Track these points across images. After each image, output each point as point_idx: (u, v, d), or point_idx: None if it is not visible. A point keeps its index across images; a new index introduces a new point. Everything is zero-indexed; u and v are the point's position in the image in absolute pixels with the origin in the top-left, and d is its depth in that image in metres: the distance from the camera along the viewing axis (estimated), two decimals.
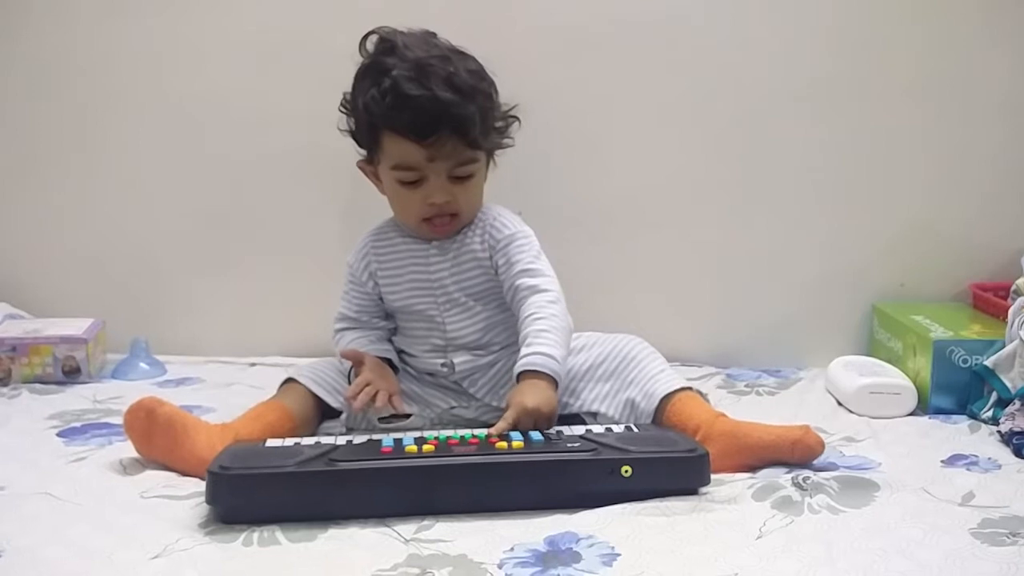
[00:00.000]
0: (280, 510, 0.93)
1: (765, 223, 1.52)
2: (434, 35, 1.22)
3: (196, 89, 1.51)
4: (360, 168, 1.25)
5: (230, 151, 1.52)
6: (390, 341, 1.28)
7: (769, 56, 1.48)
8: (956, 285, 1.51)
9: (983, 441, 1.18)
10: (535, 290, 1.18)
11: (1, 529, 0.90)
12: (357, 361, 1.19)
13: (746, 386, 1.42)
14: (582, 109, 1.49)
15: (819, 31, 1.48)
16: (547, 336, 1.13)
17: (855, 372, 1.33)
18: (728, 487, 1.01)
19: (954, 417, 1.27)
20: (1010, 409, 1.19)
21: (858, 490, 0.99)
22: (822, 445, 1.07)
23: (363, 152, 1.24)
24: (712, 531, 0.91)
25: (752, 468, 1.06)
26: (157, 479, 1.04)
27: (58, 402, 1.32)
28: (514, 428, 1.05)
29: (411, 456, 0.97)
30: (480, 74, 1.20)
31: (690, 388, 1.17)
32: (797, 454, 1.06)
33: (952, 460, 1.11)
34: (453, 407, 1.24)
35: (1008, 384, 1.23)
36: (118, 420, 1.16)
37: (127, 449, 1.09)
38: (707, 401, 1.19)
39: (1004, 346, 1.26)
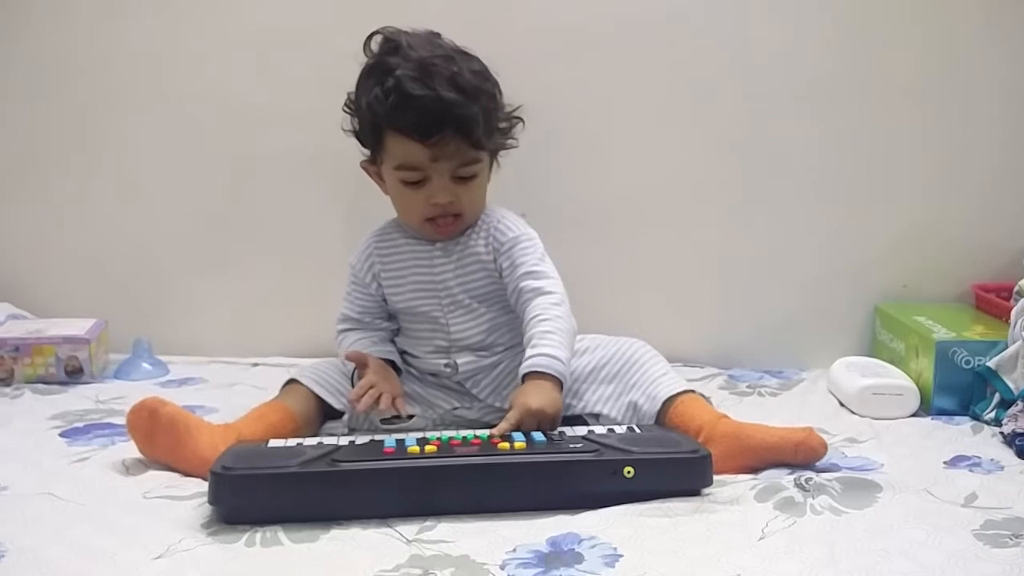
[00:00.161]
0: (282, 511, 0.93)
1: (766, 223, 1.52)
2: (438, 35, 1.22)
3: (197, 89, 1.51)
4: (363, 168, 1.25)
5: (231, 151, 1.53)
6: (393, 342, 1.28)
7: (770, 56, 1.48)
8: (958, 286, 1.51)
9: (986, 442, 1.18)
10: (540, 292, 1.18)
11: (4, 529, 0.90)
12: (361, 363, 1.19)
13: (748, 387, 1.42)
14: (582, 109, 1.49)
15: (819, 31, 1.48)
16: (552, 337, 1.13)
17: (857, 373, 1.33)
18: (730, 488, 1.01)
19: (957, 418, 1.27)
20: (1013, 410, 1.19)
21: (860, 491, 0.99)
22: (825, 447, 1.07)
23: (366, 152, 1.24)
24: (714, 532, 0.91)
25: (755, 470, 1.06)
26: (160, 479, 1.04)
27: (61, 402, 1.32)
28: (517, 429, 1.05)
29: (413, 457, 0.97)
30: (484, 74, 1.20)
31: (693, 391, 1.17)
32: (800, 456, 1.06)
33: (955, 461, 1.11)
34: (456, 408, 1.24)
35: (1011, 385, 1.23)
36: (121, 420, 1.16)
37: (130, 449, 1.09)
38: (710, 404, 1.19)
39: (1007, 347, 1.26)
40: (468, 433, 1.04)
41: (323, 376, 1.21)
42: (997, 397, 1.24)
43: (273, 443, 1.03)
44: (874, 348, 1.50)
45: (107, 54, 1.51)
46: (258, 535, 0.91)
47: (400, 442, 1.01)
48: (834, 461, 1.08)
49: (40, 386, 1.38)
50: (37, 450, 1.13)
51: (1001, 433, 1.19)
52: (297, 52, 1.49)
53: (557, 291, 1.18)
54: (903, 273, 1.52)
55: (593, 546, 0.88)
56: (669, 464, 0.99)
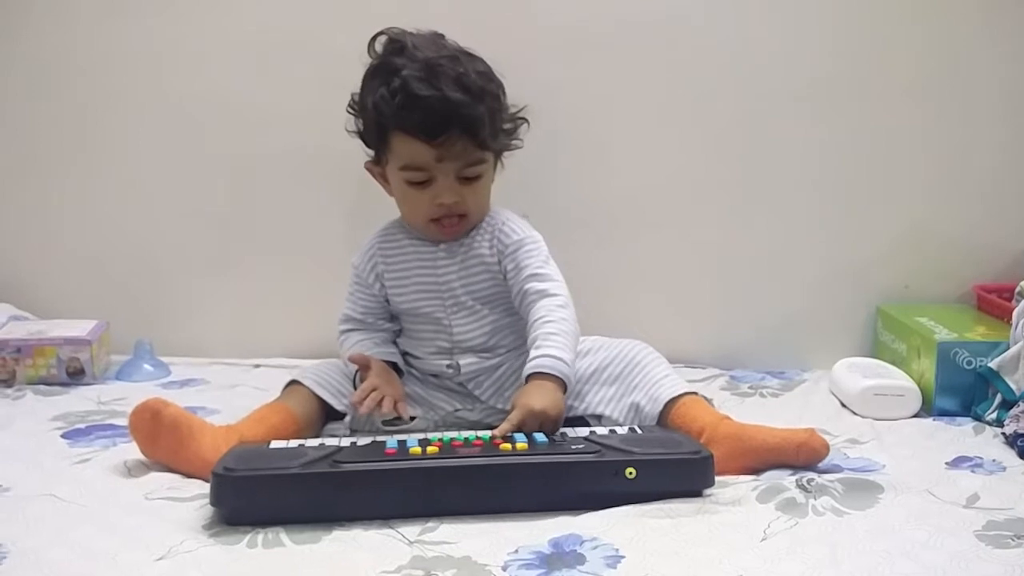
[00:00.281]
0: (284, 512, 0.93)
1: (767, 224, 1.52)
2: (442, 36, 1.22)
3: (198, 89, 1.51)
4: (367, 169, 1.25)
5: (233, 152, 1.52)
6: (395, 343, 1.28)
7: (770, 56, 1.48)
8: (960, 287, 1.51)
9: (987, 443, 1.18)
10: (544, 294, 1.18)
11: (5, 531, 0.91)
12: (363, 365, 1.19)
13: (750, 388, 1.42)
14: (582, 110, 1.49)
15: (820, 31, 1.48)
16: (556, 339, 1.13)
17: (859, 374, 1.33)
18: (732, 489, 1.00)
19: (958, 419, 1.27)
20: (1015, 411, 1.19)
21: (862, 492, 0.99)
22: (827, 448, 1.07)
23: (371, 153, 1.24)
24: (716, 533, 0.91)
25: (756, 471, 1.06)
26: (161, 481, 1.03)
27: (62, 403, 1.32)
28: (519, 430, 1.05)
29: (415, 458, 0.97)
30: (489, 75, 1.20)
31: (695, 392, 1.17)
32: (802, 457, 1.05)
33: (956, 462, 1.11)
34: (458, 410, 1.24)
35: (1012, 386, 1.23)
36: (122, 421, 1.16)
37: (131, 451, 1.09)
38: (711, 405, 1.18)
39: (1008, 348, 1.26)
40: (470, 434, 1.04)
41: (324, 377, 1.21)
42: (999, 398, 1.24)
43: (275, 444, 1.03)
44: (876, 349, 1.50)
45: (107, 54, 1.51)
46: (260, 536, 0.91)
47: (402, 443, 1.01)
48: (836, 462, 1.08)
49: (42, 387, 1.38)
50: (39, 451, 1.13)
51: (1003, 434, 1.19)
52: (297, 52, 1.49)
53: (562, 293, 1.18)
54: (904, 274, 1.52)
55: (595, 547, 0.88)
56: (671, 465, 0.99)
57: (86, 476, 1.05)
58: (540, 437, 1.03)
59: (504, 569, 0.84)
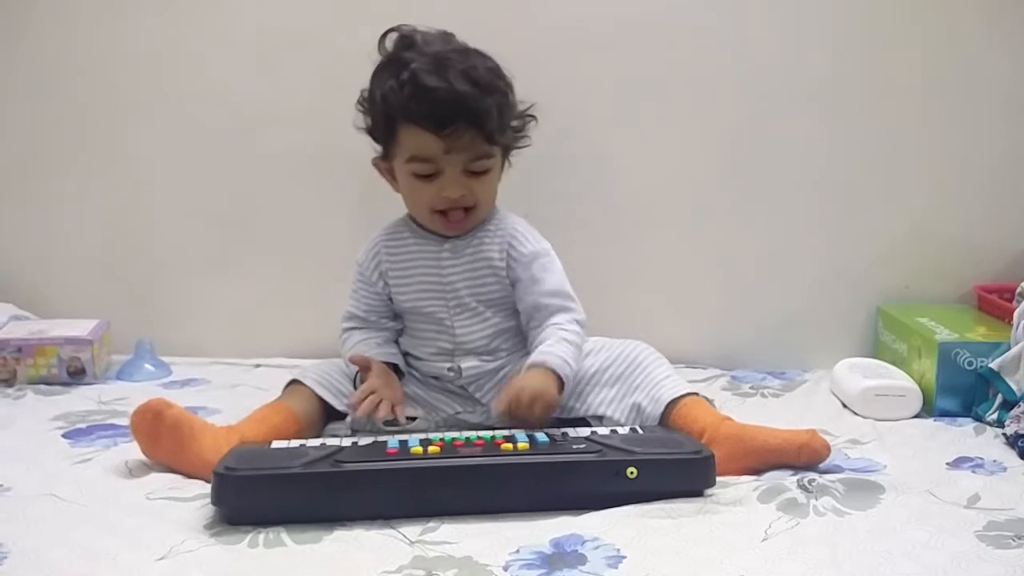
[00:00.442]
0: (285, 511, 0.93)
1: (768, 224, 1.52)
2: (452, 35, 1.22)
3: (199, 89, 1.51)
4: (375, 165, 1.25)
5: (233, 151, 1.52)
6: (397, 343, 1.27)
7: (771, 56, 1.48)
8: (961, 287, 1.51)
9: (988, 443, 1.18)
10: (562, 308, 1.20)
11: (6, 530, 0.90)
12: (364, 367, 1.19)
13: (751, 388, 1.42)
14: (583, 110, 1.48)
15: (821, 32, 1.48)
16: (565, 346, 1.16)
17: (860, 374, 1.33)
18: (733, 489, 1.01)
19: (959, 419, 1.27)
20: (1015, 411, 1.19)
21: (863, 492, 0.99)
22: (828, 449, 1.07)
23: (378, 149, 1.24)
24: (718, 533, 0.91)
25: (758, 471, 1.06)
26: (162, 481, 1.03)
27: (63, 403, 1.32)
28: (511, 408, 1.06)
29: (416, 458, 0.97)
30: (497, 71, 1.21)
31: (696, 393, 1.17)
32: (803, 458, 1.05)
33: (957, 462, 1.11)
34: (458, 412, 1.23)
35: (1013, 386, 1.23)
36: (123, 421, 1.16)
37: (132, 450, 1.09)
38: (712, 406, 1.18)
39: (1009, 348, 1.26)
40: (471, 434, 1.04)
41: (325, 377, 1.21)
42: (1000, 398, 1.24)
43: (276, 444, 1.03)
44: (876, 349, 1.50)
45: (108, 54, 1.51)
46: (261, 536, 0.91)
47: (403, 443, 1.01)
48: (837, 462, 1.08)
49: (43, 387, 1.38)
50: (39, 451, 1.12)
51: (1004, 434, 1.19)
52: (298, 52, 1.49)
53: (578, 310, 1.21)
54: (905, 274, 1.52)
55: (596, 547, 0.88)
56: (672, 465, 0.99)
57: (87, 476, 1.05)
58: (541, 437, 1.03)
59: (505, 569, 0.84)
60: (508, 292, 1.23)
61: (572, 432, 1.05)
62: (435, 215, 1.21)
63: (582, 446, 1.00)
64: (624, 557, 0.86)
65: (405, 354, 1.27)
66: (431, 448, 0.99)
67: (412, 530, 0.92)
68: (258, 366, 1.51)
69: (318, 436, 1.13)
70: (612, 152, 1.51)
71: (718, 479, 1.00)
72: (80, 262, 1.56)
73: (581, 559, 0.86)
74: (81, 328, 1.44)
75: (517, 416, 1.10)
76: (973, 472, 1.08)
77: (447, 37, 1.21)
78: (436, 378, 1.25)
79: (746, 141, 1.50)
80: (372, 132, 1.23)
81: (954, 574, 0.83)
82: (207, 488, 0.96)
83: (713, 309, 1.53)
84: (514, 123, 1.24)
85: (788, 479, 1.02)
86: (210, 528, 0.93)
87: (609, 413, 1.18)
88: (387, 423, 1.16)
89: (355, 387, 1.19)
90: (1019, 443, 1.14)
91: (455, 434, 1.05)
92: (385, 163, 1.24)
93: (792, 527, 0.92)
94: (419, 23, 1.23)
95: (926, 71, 1.48)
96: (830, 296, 1.53)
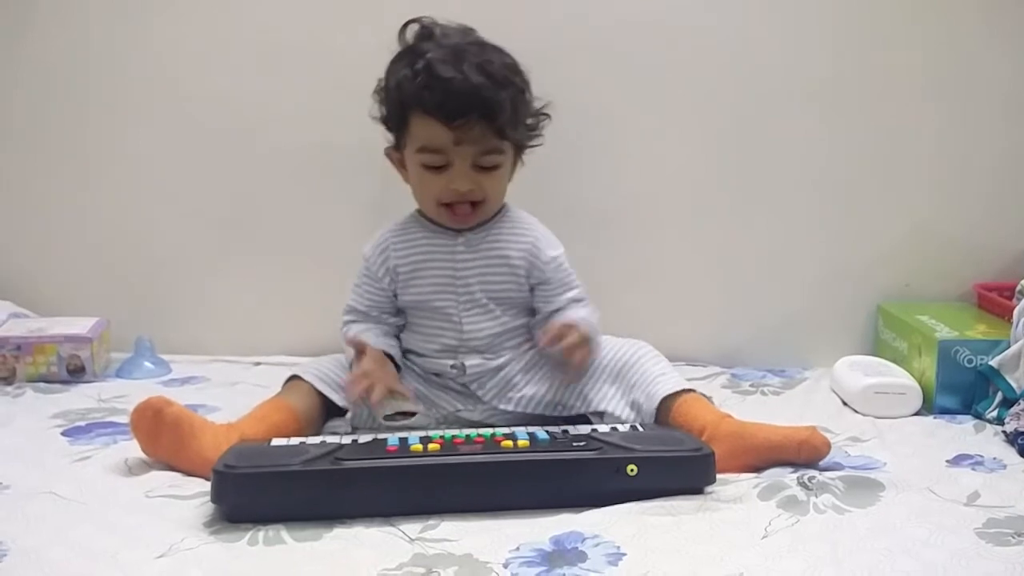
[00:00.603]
0: (285, 509, 0.93)
1: (770, 223, 1.52)
2: (473, 30, 1.22)
3: (200, 88, 1.51)
4: (387, 155, 1.25)
5: (233, 150, 1.52)
6: (397, 338, 1.27)
7: (771, 56, 1.48)
8: (961, 285, 1.51)
9: (988, 441, 1.18)
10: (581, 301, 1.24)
11: (5, 529, 0.90)
12: (359, 350, 1.18)
13: (751, 386, 1.42)
14: (583, 110, 1.48)
15: (821, 32, 1.48)
16: (594, 319, 1.21)
17: (860, 372, 1.33)
18: (733, 486, 1.01)
19: (959, 417, 1.27)
20: (1015, 409, 1.19)
21: (863, 490, 0.99)
22: (828, 446, 1.06)
23: (391, 139, 1.23)
24: (718, 530, 0.91)
25: (758, 469, 1.06)
26: (162, 479, 1.03)
27: (63, 401, 1.31)
28: (561, 336, 1.12)
29: (416, 455, 0.97)
30: (514, 68, 1.20)
31: (693, 390, 1.17)
32: (803, 455, 1.05)
33: (957, 460, 1.11)
34: (459, 410, 1.23)
35: (1013, 384, 1.23)
36: (123, 419, 1.16)
37: (132, 448, 1.09)
38: (712, 404, 1.18)
39: (1009, 346, 1.26)
40: (471, 431, 1.04)
41: (326, 372, 1.20)
42: (999, 396, 1.24)
43: (276, 442, 1.03)
44: (877, 347, 1.50)
45: (108, 54, 1.51)
46: (261, 534, 0.91)
47: (403, 440, 1.01)
48: (837, 460, 1.08)
49: (42, 385, 1.38)
50: (39, 449, 1.12)
51: (1003, 432, 1.19)
52: (300, 52, 1.49)
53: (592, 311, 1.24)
54: (905, 272, 1.52)
55: (596, 544, 0.88)
56: (672, 462, 0.99)
57: (86, 474, 1.05)
58: (541, 435, 1.03)
59: (505, 566, 0.84)
60: (522, 291, 1.23)
61: (572, 430, 1.06)
62: (441, 208, 1.20)
63: (582, 443, 1.00)
64: (624, 554, 0.86)
65: (407, 351, 1.26)
66: (431, 446, 0.99)
67: (412, 527, 0.92)
68: (258, 364, 1.51)
69: (318, 433, 1.13)
70: (612, 152, 1.50)
71: (718, 476, 1.00)
72: (80, 260, 1.56)
73: (581, 556, 0.86)
74: (81, 326, 1.44)
75: (567, 345, 1.12)
76: (973, 469, 1.08)
77: (467, 31, 1.21)
78: (438, 375, 1.24)
79: (746, 141, 1.50)
80: (385, 121, 1.23)
81: (954, 571, 0.83)
82: (207, 486, 0.96)
83: (713, 308, 1.53)
84: (528, 121, 1.23)
85: (788, 476, 1.02)
86: (210, 526, 0.93)
87: (609, 410, 1.18)
88: (387, 418, 1.16)
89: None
90: (1019, 440, 1.14)
91: (455, 431, 1.05)
92: (397, 153, 1.23)
93: (792, 524, 0.92)
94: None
95: (926, 71, 1.48)
96: (830, 294, 1.53)
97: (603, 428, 1.07)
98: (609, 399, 1.19)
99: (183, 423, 1.05)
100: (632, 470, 0.96)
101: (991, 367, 1.26)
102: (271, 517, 0.93)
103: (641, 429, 1.08)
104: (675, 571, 0.83)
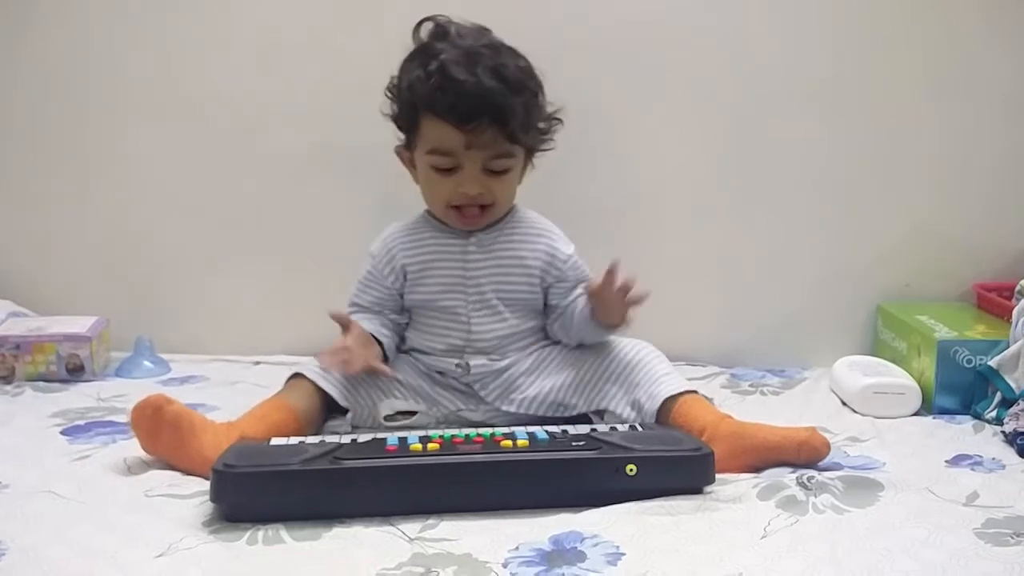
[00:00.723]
0: (284, 508, 0.93)
1: (770, 223, 1.52)
2: (488, 31, 1.21)
3: (200, 88, 1.51)
4: (397, 153, 1.24)
5: (234, 150, 1.52)
6: (399, 335, 1.27)
7: (772, 56, 1.48)
8: (960, 285, 1.51)
9: (987, 441, 1.18)
10: None
11: (4, 528, 0.90)
12: (344, 325, 1.16)
13: (750, 386, 1.42)
14: (582, 111, 1.47)
15: (821, 32, 1.48)
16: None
17: (859, 372, 1.33)
18: (733, 486, 1.01)
19: (958, 417, 1.27)
20: (1014, 409, 1.19)
21: (863, 490, 0.99)
22: (828, 446, 1.06)
23: (402, 138, 1.23)
24: (717, 530, 0.91)
25: (757, 469, 1.06)
26: (161, 478, 1.03)
27: (62, 400, 1.31)
28: (618, 285, 1.12)
29: (416, 455, 0.97)
30: (528, 71, 1.20)
31: (694, 391, 1.17)
32: (803, 455, 1.05)
33: (956, 460, 1.11)
34: (460, 409, 1.23)
35: (1012, 384, 1.23)
36: (122, 418, 1.16)
37: (131, 447, 1.09)
38: (712, 404, 1.18)
39: (1008, 346, 1.26)
40: (471, 431, 1.04)
41: (328, 370, 1.20)
42: (998, 396, 1.24)
43: (275, 441, 1.03)
44: (876, 347, 1.50)
45: (108, 53, 1.51)
46: (260, 533, 0.91)
47: (402, 440, 1.01)
48: (836, 460, 1.08)
49: (41, 384, 1.38)
50: (38, 448, 1.12)
51: (1002, 432, 1.19)
52: (300, 52, 1.49)
53: None
54: (905, 272, 1.52)
55: (596, 544, 0.88)
56: (671, 462, 0.99)
57: (85, 473, 1.05)
58: (541, 434, 1.03)
59: (505, 566, 0.84)
60: (534, 293, 1.23)
61: (572, 429, 1.06)
62: (450, 210, 1.20)
63: (582, 443, 1.00)
64: (623, 554, 0.86)
65: (411, 349, 1.26)
66: (431, 445, 0.99)
67: (411, 527, 0.92)
68: (258, 363, 1.51)
69: (318, 433, 1.13)
70: (612, 152, 1.50)
71: (717, 476, 1.00)
72: (79, 259, 1.56)
73: (580, 556, 0.86)
74: (80, 325, 1.44)
75: (634, 296, 1.14)
76: (972, 470, 1.08)
77: (482, 32, 1.20)
78: (441, 373, 1.24)
79: (746, 141, 1.50)
80: (396, 120, 1.22)
81: (953, 571, 0.83)
82: (206, 485, 0.96)
83: (713, 307, 1.53)
84: (540, 125, 1.23)
85: (787, 476, 1.02)
86: (209, 525, 0.93)
87: (610, 410, 1.18)
88: (387, 418, 1.16)
89: None
90: (1018, 441, 1.14)
91: (455, 431, 1.05)
92: (407, 152, 1.23)
93: (791, 524, 0.92)
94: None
95: (926, 71, 1.48)
96: (830, 294, 1.53)
97: (602, 428, 1.07)
98: (609, 400, 1.19)
99: (183, 421, 1.05)
100: (631, 470, 0.96)
101: (990, 367, 1.26)
102: (270, 516, 0.93)
103: (640, 429, 1.08)
104: (674, 571, 0.83)
